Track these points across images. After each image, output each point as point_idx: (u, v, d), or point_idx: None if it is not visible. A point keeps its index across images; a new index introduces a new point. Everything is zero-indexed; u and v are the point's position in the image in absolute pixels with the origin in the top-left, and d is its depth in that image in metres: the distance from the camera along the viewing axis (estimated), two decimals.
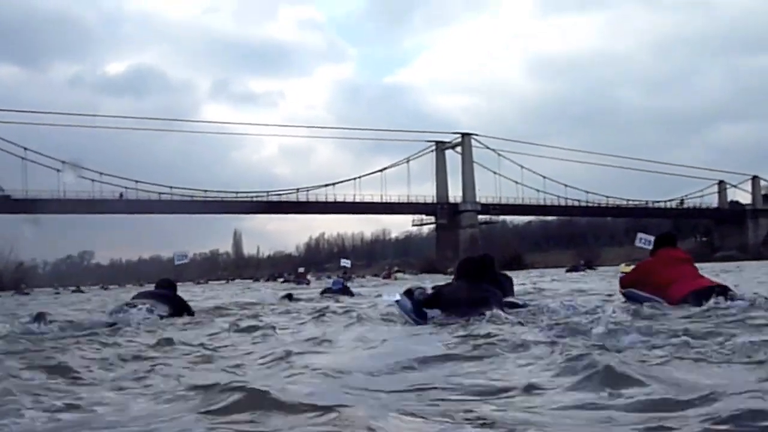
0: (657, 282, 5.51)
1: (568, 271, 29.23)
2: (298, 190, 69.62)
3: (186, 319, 6.43)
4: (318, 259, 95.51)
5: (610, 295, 6.97)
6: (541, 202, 74.13)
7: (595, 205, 75.03)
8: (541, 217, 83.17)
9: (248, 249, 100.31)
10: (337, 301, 9.84)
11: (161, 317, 6.18)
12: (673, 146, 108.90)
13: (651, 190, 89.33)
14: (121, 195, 60.22)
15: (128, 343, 4.31)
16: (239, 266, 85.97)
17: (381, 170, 72.98)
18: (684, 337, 3.09)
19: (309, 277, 33.79)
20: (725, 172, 77.26)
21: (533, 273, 31.57)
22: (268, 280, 45.85)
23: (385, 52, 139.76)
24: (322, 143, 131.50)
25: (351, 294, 11.67)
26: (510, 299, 5.37)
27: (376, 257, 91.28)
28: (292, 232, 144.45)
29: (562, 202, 74.16)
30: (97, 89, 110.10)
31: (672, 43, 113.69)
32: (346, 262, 26.87)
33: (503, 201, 73.90)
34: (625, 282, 6.11)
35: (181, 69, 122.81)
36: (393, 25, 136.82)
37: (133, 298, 6.90)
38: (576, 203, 74.37)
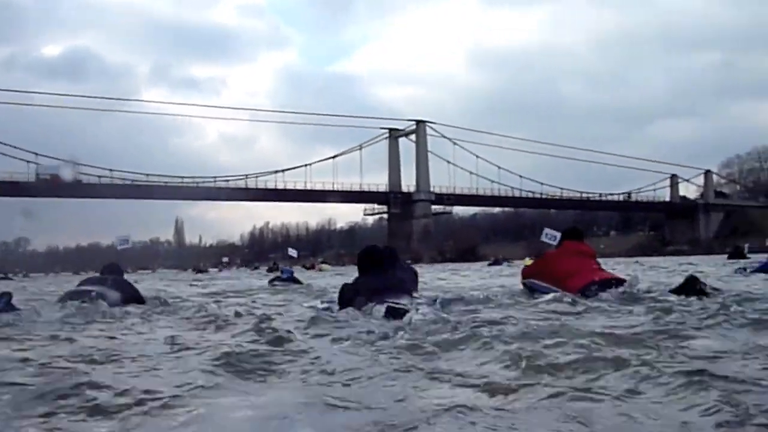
0: (556, 273, 5.60)
1: (490, 264, 29.32)
2: (246, 176, 66.89)
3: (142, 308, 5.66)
4: (263, 248, 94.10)
5: (502, 287, 6.91)
6: (496, 193, 72.84)
7: (550, 197, 74.12)
8: (487, 209, 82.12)
9: (190, 237, 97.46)
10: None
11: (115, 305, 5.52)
12: (616, 140, 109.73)
13: (604, 183, 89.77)
14: (50, 177, 55.50)
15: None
16: (181, 255, 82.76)
17: (332, 157, 70.75)
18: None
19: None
20: (679, 165, 77.46)
21: (462, 266, 31.17)
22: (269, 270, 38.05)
23: (329, 40, 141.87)
24: (266, 131, 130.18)
25: (300, 282, 11.61)
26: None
27: (321, 247, 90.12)
28: (235, 221, 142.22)
29: (517, 194, 72.97)
30: (32, 72, 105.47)
31: (614, 39, 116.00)
32: (293, 252, 26.19)
33: (457, 191, 72.34)
34: (526, 273, 6.22)
35: (119, 53, 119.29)
36: (337, 13, 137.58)
37: (80, 284, 6.28)
38: (530, 195, 73.30)
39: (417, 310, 3.71)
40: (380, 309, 3.90)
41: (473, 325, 3.29)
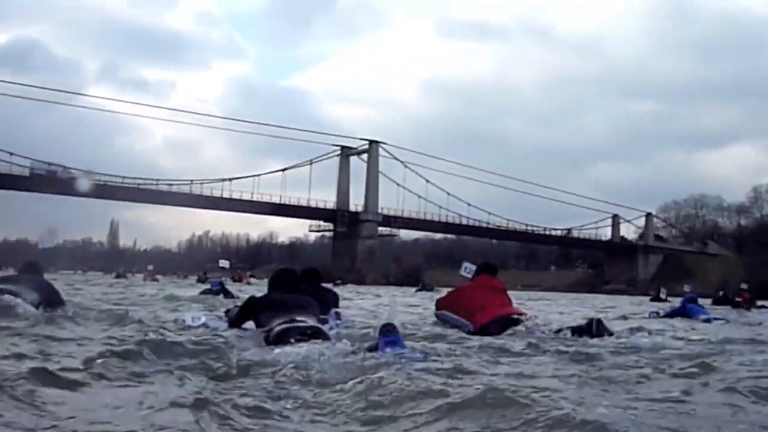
0: (467, 307, 5.68)
1: (418, 290, 29.30)
2: (191, 182, 64.91)
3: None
4: (200, 257, 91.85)
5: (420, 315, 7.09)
6: (444, 219, 72.65)
7: (496, 227, 74.45)
8: (430, 234, 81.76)
9: (125, 240, 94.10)
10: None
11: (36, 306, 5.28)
12: (558, 178, 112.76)
13: (547, 218, 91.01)
14: None
15: None
16: (112, 258, 79.26)
17: (282, 170, 69.36)
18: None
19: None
20: (620, 206, 79.15)
21: (398, 290, 31.64)
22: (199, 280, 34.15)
23: (284, 54, 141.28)
24: (214, 138, 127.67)
25: (232, 296, 11.44)
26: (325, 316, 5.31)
27: (261, 261, 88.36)
28: (173, 227, 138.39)
29: (464, 221, 72.97)
30: None
31: (559, 82, 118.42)
32: (224, 263, 25.49)
33: (405, 214, 71.82)
34: (440, 304, 6.26)
35: (68, 47, 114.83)
36: (293, 29, 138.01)
37: None
38: (477, 223, 73.42)
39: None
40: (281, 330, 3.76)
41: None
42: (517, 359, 3.70)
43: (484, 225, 73.54)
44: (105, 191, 58.62)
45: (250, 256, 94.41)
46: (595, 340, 4.68)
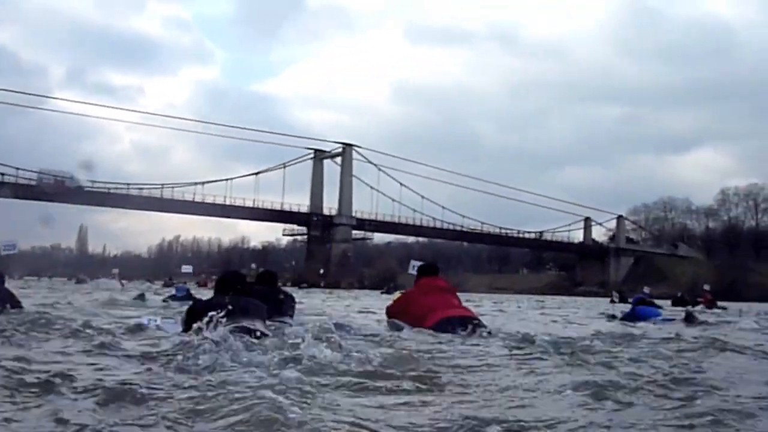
0: (415, 311, 5.59)
1: (383, 293, 29.90)
2: (162, 185, 63.73)
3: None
4: (170, 262, 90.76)
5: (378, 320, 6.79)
6: (418, 222, 72.52)
7: (470, 230, 74.57)
8: (401, 238, 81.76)
9: (93, 246, 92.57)
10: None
11: None
12: (526, 183, 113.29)
13: (518, 221, 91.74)
14: None
15: None
16: (81, 264, 77.71)
17: (255, 174, 68.55)
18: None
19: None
20: (592, 208, 79.89)
21: (361, 293, 32.62)
22: (165, 285, 34.42)
23: (252, 59, 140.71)
24: (184, 142, 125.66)
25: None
26: (279, 318, 5.38)
27: (233, 266, 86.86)
28: (143, 233, 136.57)
29: (438, 224, 72.93)
30: None
31: (528, 86, 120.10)
32: (187, 268, 25.23)
33: (379, 218, 71.53)
34: (390, 312, 6.15)
35: (34, 52, 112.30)
36: (262, 34, 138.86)
37: None
38: (451, 227, 73.45)
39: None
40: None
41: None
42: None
43: (458, 228, 73.58)
44: (76, 196, 57.34)
45: (222, 261, 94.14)
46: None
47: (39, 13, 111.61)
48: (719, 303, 19.75)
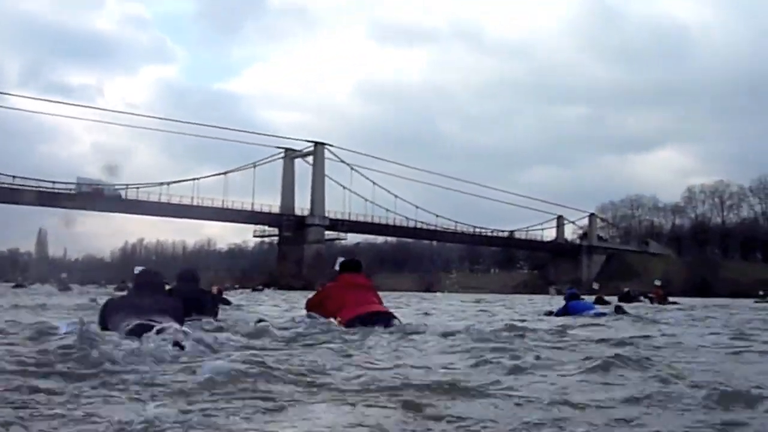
0: (331, 306, 5.67)
1: None
2: (127, 186, 61.29)
3: None
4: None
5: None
6: (391, 222, 71.52)
7: (443, 229, 73.89)
8: (369, 239, 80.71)
9: (54, 250, 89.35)
10: None
11: None
12: (493, 182, 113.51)
13: (492, 220, 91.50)
14: None
15: None
16: (40, 269, 74.64)
17: (224, 173, 66.65)
18: None
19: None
20: (563, 206, 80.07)
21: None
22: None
23: (214, 58, 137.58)
24: (146, 142, 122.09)
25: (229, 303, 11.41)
26: (198, 317, 5.31)
27: (199, 269, 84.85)
28: (105, 236, 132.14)
29: (412, 224, 72.03)
30: None
31: (492, 86, 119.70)
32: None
33: (352, 218, 70.30)
34: (308, 305, 6.19)
35: None
36: (223, 33, 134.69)
37: None
38: (425, 226, 72.65)
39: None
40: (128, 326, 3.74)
41: None
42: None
43: (432, 227, 72.84)
44: (36, 198, 54.99)
45: (188, 265, 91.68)
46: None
47: None
48: (671, 299, 19.84)
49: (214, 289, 15.21)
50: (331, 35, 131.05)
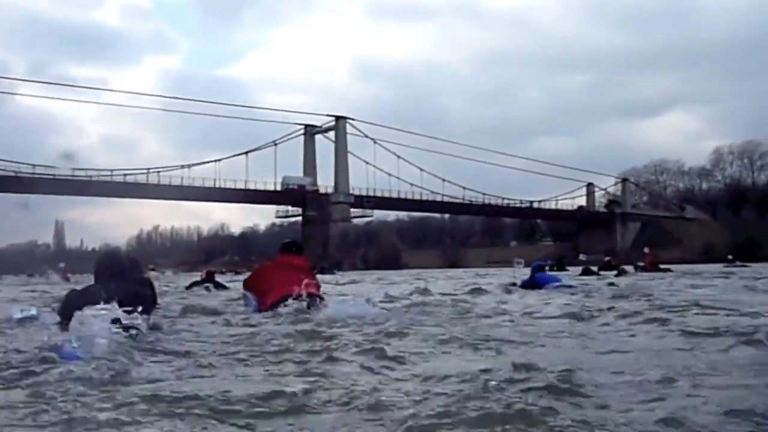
0: (261, 286, 5.71)
1: (317, 273, 26.45)
2: (148, 170, 59.06)
3: None
4: (150, 253, 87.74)
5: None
6: (417, 197, 68.96)
7: (469, 202, 71.37)
8: (381, 215, 78.10)
9: (71, 241, 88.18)
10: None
11: None
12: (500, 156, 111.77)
13: (512, 191, 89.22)
14: None
15: None
16: (58, 259, 73.13)
17: (246, 153, 64.12)
18: None
19: None
20: (592, 172, 77.39)
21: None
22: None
23: (215, 45, 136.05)
24: (155, 132, 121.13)
25: (225, 287, 11.44)
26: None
27: (215, 254, 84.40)
28: (119, 225, 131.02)
29: (439, 198, 69.48)
30: None
31: (494, 58, 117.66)
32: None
33: (377, 194, 67.81)
34: (245, 284, 6.15)
35: None
36: (223, 19, 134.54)
37: None
38: (452, 200, 70.18)
39: None
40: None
41: None
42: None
43: (460, 201, 70.33)
44: (41, 185, 52.77)
45: (203, 250, 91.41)
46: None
47: None
48: (663, 266, 20.10)
49: (204, 273, 13.70)
50: (328, 16, 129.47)
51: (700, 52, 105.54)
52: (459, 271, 31.02)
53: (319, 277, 19.73)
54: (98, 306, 3.42)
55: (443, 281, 15.05)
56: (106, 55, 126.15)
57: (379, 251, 64.43)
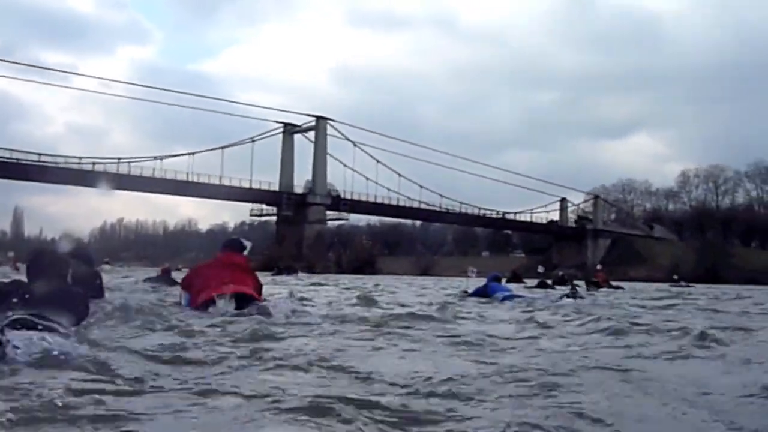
0: (195, 285, 5.55)
1: (274, 274, 27.92)
2: (119, 159, 57.35)
3: None
4: (113, 246, 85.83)
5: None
6: (394, 202, 68.65)
7: (446, 210, 71.33)
8: (353, 220, 77.62)
9: (30, 229, 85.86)
10: None
11: None
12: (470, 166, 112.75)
13: (481, 201, 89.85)
14: None
15: None
16: (14, 247, 70.58)
17: (222, 148, 62.88)
18: None
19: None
20: (566, 187, 78.25)
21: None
22: None
23: (190, 40, 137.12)
24: (125, 121, 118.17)
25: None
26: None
27: (180, 250, 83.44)
28: (82, 216, 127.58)
29: (416, 204, 69.30)
30: None
31: (468, 71, 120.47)
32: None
33: (354, 197, 67.27)
34: (181, 284, 6.11)
35: None
36: (199, 14, 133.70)
37: None
38: (429, 207, 70.06)
39: None
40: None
41: None
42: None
43: (437, 208, 70.32)
44: (2, 169, 51.09)
45: (168, 246, 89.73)
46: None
47: None
48: (615, 283, 20.84)
49: (160, 270, 13.68)
50: (307, 19, 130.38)
51: (666, 77, 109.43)
52: (429, 280, 30.92)
53: (276, 278, 19.34)
54: None
55: (405, 289, 14.78)
56: (78, 42, 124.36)
57: (353, 255, 63.86)
